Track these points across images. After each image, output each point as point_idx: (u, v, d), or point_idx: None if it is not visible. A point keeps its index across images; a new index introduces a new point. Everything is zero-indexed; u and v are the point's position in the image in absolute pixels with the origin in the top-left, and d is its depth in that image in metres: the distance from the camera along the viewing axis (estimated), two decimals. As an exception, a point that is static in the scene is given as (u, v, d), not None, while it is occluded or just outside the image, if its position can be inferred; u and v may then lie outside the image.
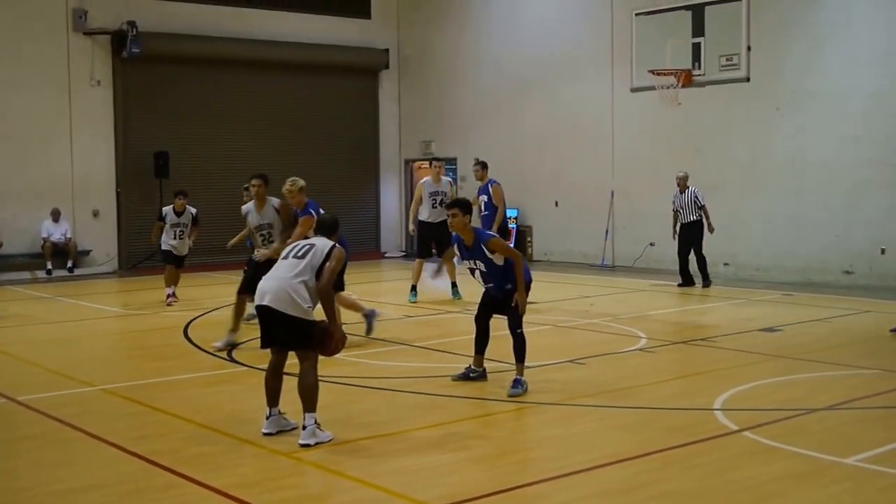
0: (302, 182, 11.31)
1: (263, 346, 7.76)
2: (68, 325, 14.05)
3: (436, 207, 15.40)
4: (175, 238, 16.02)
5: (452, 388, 9.16)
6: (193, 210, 16.36)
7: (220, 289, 18.33)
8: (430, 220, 15.53)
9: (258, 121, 24.11)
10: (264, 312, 7.42)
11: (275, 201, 11.34)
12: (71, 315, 14.67)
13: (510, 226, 23.19)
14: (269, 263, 10.17)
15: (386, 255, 25.38)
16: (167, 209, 16.20)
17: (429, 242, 15.65)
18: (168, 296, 15.80)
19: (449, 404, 8.62)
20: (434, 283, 14.25)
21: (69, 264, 20.76)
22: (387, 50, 25.91)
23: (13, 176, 20.88)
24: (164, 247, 16.15)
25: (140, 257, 22.33)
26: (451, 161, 25.38)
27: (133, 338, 13.34)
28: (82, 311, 15.59)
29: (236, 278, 19.94)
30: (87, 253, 21.44)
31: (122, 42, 21.79)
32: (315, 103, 24.96)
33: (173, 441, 7.56)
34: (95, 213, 21.81)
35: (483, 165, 15.75)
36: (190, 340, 12.20)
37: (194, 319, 13.96)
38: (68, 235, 20.92)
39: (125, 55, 21.82)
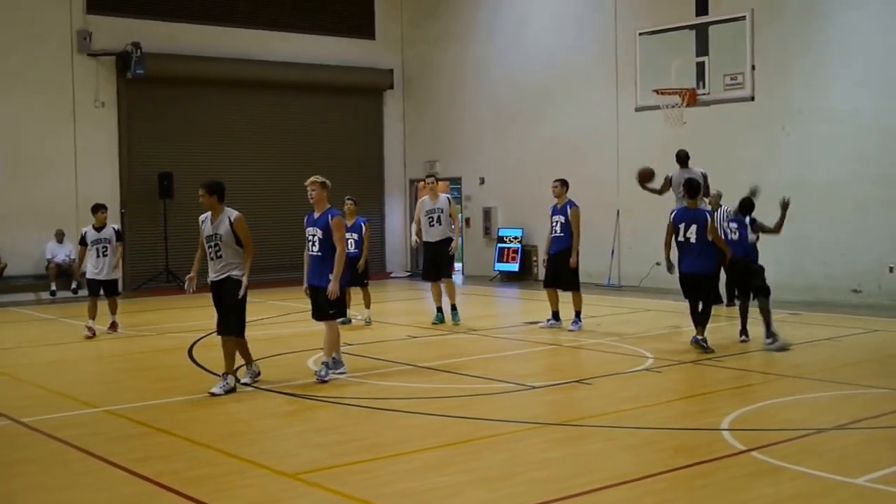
0: (323, 179, 10.75)
1: None
2: (72, 346, 14.01)
3: (433, 226, 14.97)
4: (98, 256, 14.66)
5: (457, 409, 9.10)
6: (116, 226, 15.20)
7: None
8: (427, 240, 15.10)
9: (263, 141, 24.17)
10: None
11: (232, 214, 10.22)
12: (75, 336, 14.63)
13: (507, 246, 23.21)
14: (216, 296, 10.14)
15: (392, 274, 25.38)
16: (86, 228, 14.94)
17: (430, 262, 15.24)
18: (88, 327, 14.61)
19: (453, 425, 8.56)
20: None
21: (73, 286, 20.74)
22: (391, 70, 26.00)
23: (18, 197, 20.92)
24: (87, 275, 14.92)
25: (144, 278, 22.32)
26: (456, 180, 25.45)
27: (137, 359, 13.28)
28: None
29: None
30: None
31: (126, 63, 21.90)
32: (319, 123, 25.02)
33: (177, 462, 7.52)
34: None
35: (563, 183, 14.74)
36: (194, 361, 12.17)
37: (198, 340, 13.92)
38: (72, 257, 20.92)
39: (130, 76, 21.93)
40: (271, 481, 7.00)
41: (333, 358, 10.63)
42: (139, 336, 15.05)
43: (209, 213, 10.23)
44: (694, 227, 12.21)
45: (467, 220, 25.06)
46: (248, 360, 10.51)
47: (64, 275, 20.81)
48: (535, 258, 22.53)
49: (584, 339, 13.39)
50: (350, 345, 12.87)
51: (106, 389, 10.69)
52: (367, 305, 15.37)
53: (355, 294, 15.41)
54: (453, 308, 15.05)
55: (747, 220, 12.74)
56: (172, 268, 22.53)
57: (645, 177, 15.82)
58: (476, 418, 8.77)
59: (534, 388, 10.09)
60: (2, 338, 15.62)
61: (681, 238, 12.29)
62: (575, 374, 10.82)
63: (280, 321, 16.17)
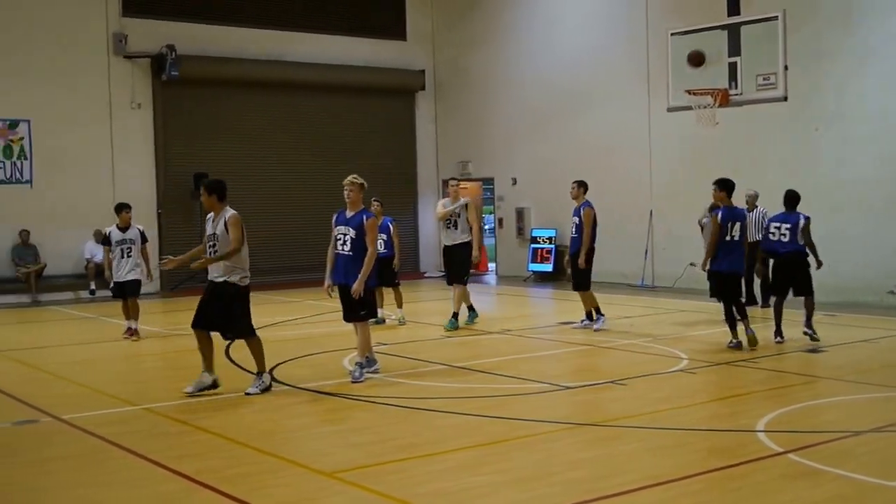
0: (361, 180, 10.75)
1: None
2: (111, 344, 14.16)
3: (450, 228, 14.71)
4: (123, 256, 14.36)
5: (491, 409, 9.13)
6: (140, 227, 14.90)
7: (260, 308, 18.44)
8: (446, 243, 14.92)
9: (296, 142, 24.33)
10: None
11: (228, 213, 10.01)
12: (114, 335, 14.78)
13: (540, 246, 23.18)
14: (210, 296, 10.00)
15: (426, 274, 25.42)
16: (109, 229, 14.63)
17: (447, 266, 15.04)
18: (127, 329, 14.49)
19: (487, 425, 8.59)
20: None
21: (91, 286, 20.90)
22: (423, 71, 26.06)
23: (57, 198, 21.17)
24: (114, 278, 14.52)
25: (180, 279, 22.49)
26: (488, 181, 25.47)
27: (174, 357, 13.42)
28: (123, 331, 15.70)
29: (276, 298, 20.19)
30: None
31: (161, 65, 22.11)
32: (352, 124, 25.12)
33: (214, 460, 7.60)
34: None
35: (580, 184, 14.70)
36: (231, 360, 12.26)
37: (234, 339, 13.99)
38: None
39: (165, 78, 22.14)
40: (307, 480, 7.05)
41: (367, 357, 10.68)
42: (176, 335, 15.18)
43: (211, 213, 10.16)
44: (738, 226, 12.26)
45: (500, 221, 25.08)
46: (208, 366, 10.12)
47: (102, 274, 20.98)
48: (567, 258, 22.47)
49: (617, 340, 13.37)
50: (384, 344, 12.94)
51: (144, 387, 10.79)
52: (399, 305, 15.44)
53: (387, 294, 15.49)
54: (470, 308, 14.94)
55: (801, 218, 12.63)
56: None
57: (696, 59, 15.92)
58: (510, 418, 8.79)
59: (568, 388, 10.10)
60: (42, 336, 15.83)
61: (728, 237, 12.30)
62: (609, 374, 10.81)
63: (313, 321, 16.26)
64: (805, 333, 12.74)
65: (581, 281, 14.50)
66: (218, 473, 7.15)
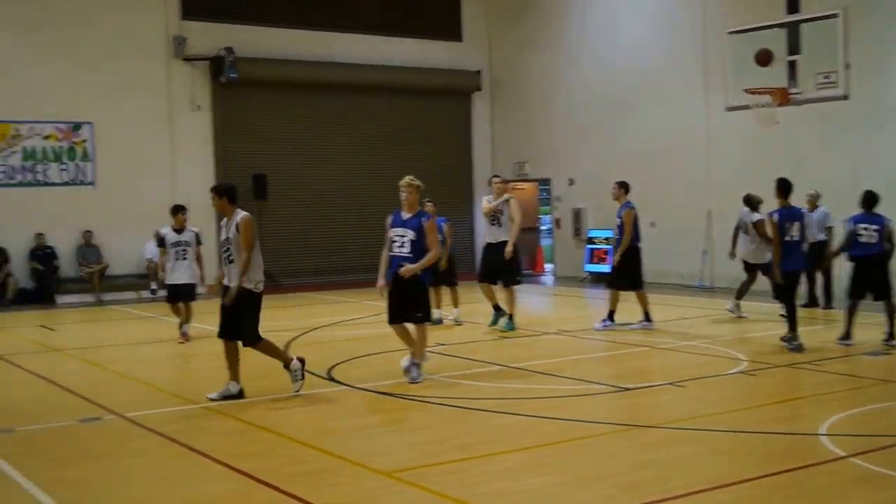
0: (418, 182, 10.70)
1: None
2: (172, 343, 14.34)
3: (493, 225, 14.41)
4: (178, 259, 14.15)
5: (548, 410, 9.12)
6: (196, 229, 14.61)
7: (318, 308, 18.64)
8: (489, 241, 14.61)
9: (352, 143, 24.47)
10: None
11: (239, 215, 9.95)
12: (174, 334, 14.95)
13: (598, 247, 23.05)
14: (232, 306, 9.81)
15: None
16: (164, 230, 14.43)
17: (487, 264, 14.63)
18: (183, 333, 14.39)
19: (545, 426, 8.58)
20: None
21: (152, 286, 21.17)
22: (478, 72, 26.06)
23: (118, 199, 21.52)
24: (166, 279, 14.45)
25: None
26: (545, 181, 25.42)
27: (234, 356, 13.57)
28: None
29: (334, 298, 20.32)
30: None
31: (220, 67, 22.36)
32: (408, 126, 25.21)
33: (274, 459, 7.68)
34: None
35: (620, 186, 14.63)
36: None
37: (294, 339, 14.16)
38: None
39: (223, 80, 22.39)
40: (366, 479, 7.10)
41: (414, 362, 10.62)
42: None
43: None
44: (797, 226, 12.14)
45: (557, 222, 25.01)
46: (234, 376, 10.00)
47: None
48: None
49: (675, 341, 13.27)
50: (441, 345, 12.98)
51: (205, 386, 10.91)
52: (456, 305, 15.47)
53: (444, 294, 15.54)
54: (510, 317, 14.53)
55: (887, 220, 12.44)
56: (267, 269, 22.87)
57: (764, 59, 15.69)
58: (568, 419, 8.77)
59: (625, 389, 10.06)
60: (105, 335, 16.10)
61: (787, 238, 12.19)
62: (667, 376, 10.74)
63: (371, 321, 16.34)
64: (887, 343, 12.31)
65: (612, 280, 14.47)
66: (278, 472, 7.22)
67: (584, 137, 23.72)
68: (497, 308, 14.69)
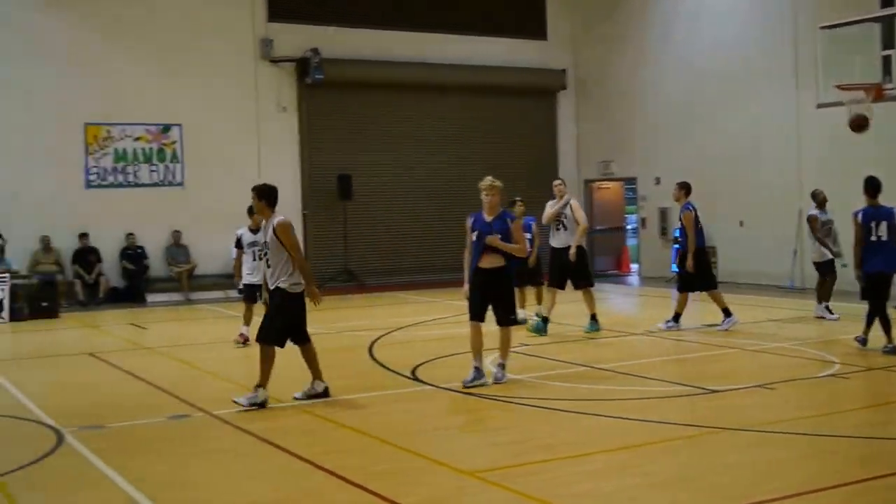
0: (499, 183, 10.53)
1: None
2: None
3: (559, 230, 14.13)
4: (254, 259, 13.69)
5: (635, 412, 9.01)
6: None
7: (401, 308, 18.71)
8: (553, 245, 14.30)
9: (436, 143, 24.53)
10: None
11: (276, 219, 9.74)
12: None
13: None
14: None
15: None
16: (241, 231, 14.09)
17: (555, 268, 14.20)
18: (241, 334, 14.14)
19: (631, 428, 8.48)
20: None
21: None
22: (564, 71, 25.92)
23: (206, 200, 21.88)
24: (243, 279, 14.07)
25: (325, 278, 22.96)
26: (631, 181, 25.17)
27: (320, 356, 13.61)
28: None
29: (418, 298, 20.39)
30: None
31: (306, 69, 22.60)
32: (492, 125, 25.18)
33: (359, 457, 7.72)
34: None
35: (680, 187, 14.41)
36: (374, 359, 12.46)
37: (379, 338, 14.24)
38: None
39: (309, 81, 22.63)
40: (450, 479, 7.10)
41: (476, 367, 10.36)
42: (320, 334, 15.46)
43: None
44: (885, 225, 11.82)
45: (643, 221, 24.74)
46: (263, 381, 9.70)
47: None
48: (714, 259, 21.96)
49: (765, 343, 13.01)
50: (525, 345, 12.94)
51: (291, 385, 10.98)
52: (540, 303, 15.37)
53: (529, 294, 15.47)
54: (592, 317, 14.27)
55: None
56: (352, 267, 23.15)
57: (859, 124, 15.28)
58: (654, 421, 8.65)
59: (713, 391, 9.88)
60: (194, 334, 16.38)
61: (873, 237, 11.86)
62: (756, 378, 10.52)
63: (455, 321, 16.34)
64: None
65: (682, 283, 14.38)
66: (362, 470, 7.25)
67: (670, 136, 23.42)
68: (544, 318, 14.23)
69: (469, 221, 10.59)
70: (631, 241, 26.39)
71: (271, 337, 9.76)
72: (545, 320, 14.11)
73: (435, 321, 16.52)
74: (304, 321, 9.95)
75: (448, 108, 24.80)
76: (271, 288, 9.80)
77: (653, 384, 10.33)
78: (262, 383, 9.63)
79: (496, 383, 10.33)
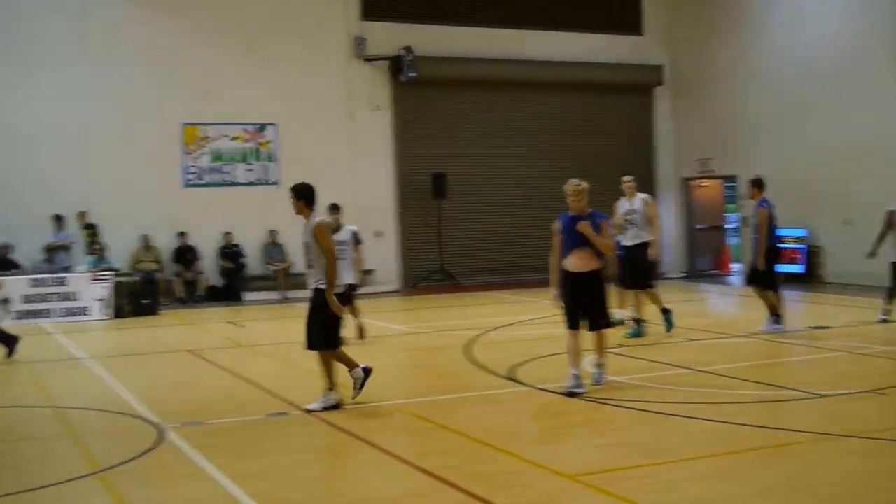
0: (585, 184, 10.21)
1: None
2: (354, 342, 14.48)
3: (628, 228, 13.63)
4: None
5: (739, 416, 8.74)
6: (353, 227, 13.76)
7: (497, 308, 18.60)
8: (624, 243, 13.72)
9: (531, 141, 24.34)
10: None
11: (314, 222, 9.56)
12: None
13: (788, 246, 22.11)
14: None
15: (665, 275, 24.67)
16: None
17: (625, 268, 13.59)
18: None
19: (735, 433, 8.21)
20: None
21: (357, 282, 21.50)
22: (660, 66, 25.49)
23: (302, 198, 22.02)
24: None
25: (420, 277, 22.99)
26: (731, 179, 24.62)
27: (416, 355, 13.68)
28: (368, 329, 16.06)
29: (514, 298, 20.23)
30: (370, 272, 22.19)
31: (399, 67, 22.62)
32: (587, 122, 24.91)
33: (457, 458, 7.62)
34: (378, 234, 22.59)
35: (754, 184, 14.04)
36: (471, 359, 12.36)
37: (475, 338, 14.14)
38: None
39: (402, 79, 22.64)
40: (549, 481, 6.96)
41: (574, 374, 9.98)
42: (417, 333, 15.47)
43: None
44: None
45: (744, 220, 24.15)
46: (329, 385, 9.58)
47: (345, 272, 21.73)
48: (820, 259, 21.39)
49: (876, 347, 12.54)
50: (625, 346, 12.71)
51: (388, 384, 10.98)
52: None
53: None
54: (664, 311, 13.75)
55: None
56: (447, 266, 23.11)
57: None
58: (759, 426, 8.36)
59: (822, 396, 9.53)
60: (290, 332, 16.44)
61: None
62: (867, 383, 10.11)
63: (552, 321, 16.12)
64: None
65: (756, 280, 13.96)
66: (460, 471, 7.17)
67: (771, 132, 22.81)
68: (636, 320, 13.92)
69: (557, 223, 10.23)
70: (731, 241, 25.83)
71: (322, 342, 9.60)
72: (638, 321, 13.79)
73: (532, 321, 16.35)
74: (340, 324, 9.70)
75: (541, 105, 24.58)
76: (311, 288, 9.60)
77: (757, 388, 10.02)
78: (330, 386, 9.52)
79: (595, 385, 10.10)
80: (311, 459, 7.84)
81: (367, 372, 9.75)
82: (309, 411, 9.35)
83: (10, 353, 13.44)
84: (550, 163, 24.08)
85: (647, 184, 25.41)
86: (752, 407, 9.21)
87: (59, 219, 19.76)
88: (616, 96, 25.26)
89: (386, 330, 15.57)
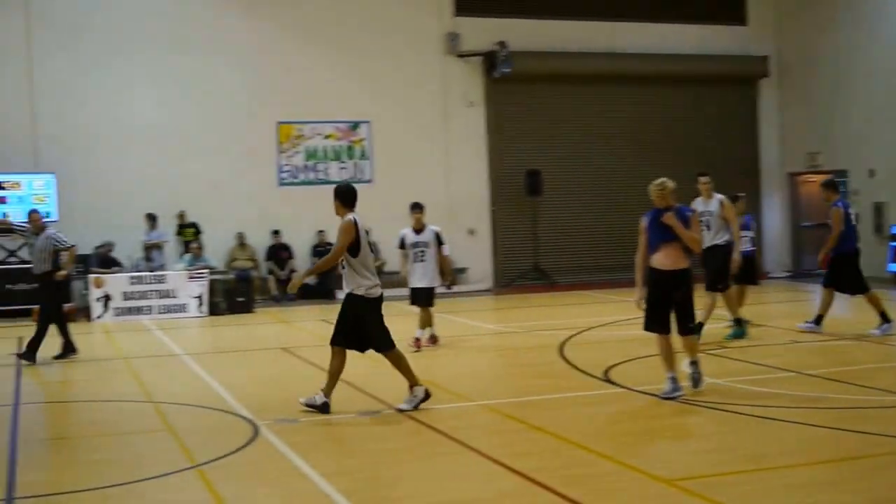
0: (671, 184, 9.81)
1: None
2: (447, 340, 14.37)
3: (705, 231, 12.93)
4: (415, 261, 13.31)
5: (847, 422, 8.37)
6: (436, 228, 13.61)
7: (593, 307, 18.35)
8: (704, 246, 12.84)
9: (627, 135, 23.90)
10: None
11: (344, 219, 9.38)
12: (450, 331, 15.04)
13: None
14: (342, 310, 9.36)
15: (769, 274, 23.98)
16: (404, 231, 13.59)
17: (706, 270, 13.09)
18: (416, 339, 13.31)
19: (843, 439, 7.87)
20: None
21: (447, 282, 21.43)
22: (765, 57, 24.78)
23: (396, 196, 21.93)
24: (410, 284, 13.51)
25: (513, 275, 22.79)
26: (841, 173, 23.71)
27: (509, 355, 13.50)
28: (460, 328, 15.99)
29: (610, 297, 19.87)
30: (463, 271, 22.10)
31: (492, 62, 22.44)
32: (687, 116, 24.35)
33: (551, 460, 7.47)
34: (471, 232, 22.46)
35: (827, 186, 13.85)
36: (565, 359, 12.14)
37: (569, 338, 13.90)
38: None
39: (496, 75, 22.45)
40: (646, 486, 6.76)
41: (672, 377, 9.58)
42: (511, 332, 15.29)
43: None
44: None
45: (855, 217, 23.29)
46: (411, 381, 9.41)
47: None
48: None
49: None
50: (725, 347, 12.37)
51: (480, 384, 10.87)
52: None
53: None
54: (699, 326, 12.60)
55: None
56: (541, 266, 22.87)
57: None
58: (870, 433, 7.97)
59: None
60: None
61: None
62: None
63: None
64: None
65: (837, 282, 13.62)
66: (554, 473, 7.02)
67: (885, 124, 21.94)
68: (737, 320, 13.40)
69: (644, 221, 9.82)
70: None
71: (386, 343, 9.46)
72: (738, 322, 13.32)
73: (628, 321, 15.98)
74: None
75: (638, 99, 24.09)
76: (347, 294, 9.48)
77: (868, 393, 9.60)
78: (413, 382, 9.38)
79: (693, 385, 9.74)
80: (405, 459, 7.75)
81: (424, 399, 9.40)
82: (401, 411, 9.26)
83: (62, 356, 13.33)
84: (647, 159, 23.55)
85: (750, 180, 24.79)
86: (861, 413, 8.82)
87: (152, 218, 20.08)
88: (719, 89, 24.64)
89: (478, 329, 15.42)
